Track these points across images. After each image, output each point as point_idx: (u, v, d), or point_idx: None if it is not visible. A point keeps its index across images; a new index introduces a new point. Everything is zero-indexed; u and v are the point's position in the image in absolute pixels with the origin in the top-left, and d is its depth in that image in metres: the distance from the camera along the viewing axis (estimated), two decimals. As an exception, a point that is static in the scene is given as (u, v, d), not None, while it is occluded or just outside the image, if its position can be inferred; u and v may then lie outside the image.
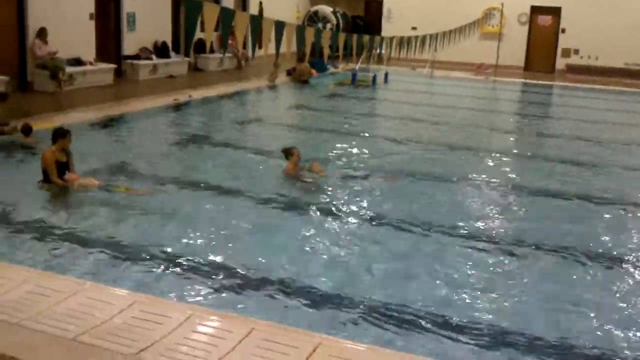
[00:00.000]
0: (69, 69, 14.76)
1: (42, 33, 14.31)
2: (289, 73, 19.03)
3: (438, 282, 5.87)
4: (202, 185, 8.40)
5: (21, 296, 4.77)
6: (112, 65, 16.40)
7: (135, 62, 17.29)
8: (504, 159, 11.21)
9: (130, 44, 17.51)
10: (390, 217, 7.52)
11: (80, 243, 6.24)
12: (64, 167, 7.88)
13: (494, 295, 5.68)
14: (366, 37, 14.44)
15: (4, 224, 6.65)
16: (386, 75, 20.47)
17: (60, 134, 7.94)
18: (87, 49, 15.86)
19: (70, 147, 8.01)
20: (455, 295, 5.60)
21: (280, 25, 9.46)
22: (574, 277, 6.18)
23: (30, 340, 4.23)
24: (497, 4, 24.57)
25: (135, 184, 8.28)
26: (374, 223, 7.37)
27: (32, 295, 4.79)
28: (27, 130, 9.68)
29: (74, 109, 12.61)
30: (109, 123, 11.96)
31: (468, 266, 6.26)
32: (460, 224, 7.42)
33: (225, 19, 8.39)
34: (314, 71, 19.68)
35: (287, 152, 8.97)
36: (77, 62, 15.34)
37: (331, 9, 26.06)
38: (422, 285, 5.77)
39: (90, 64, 15.74)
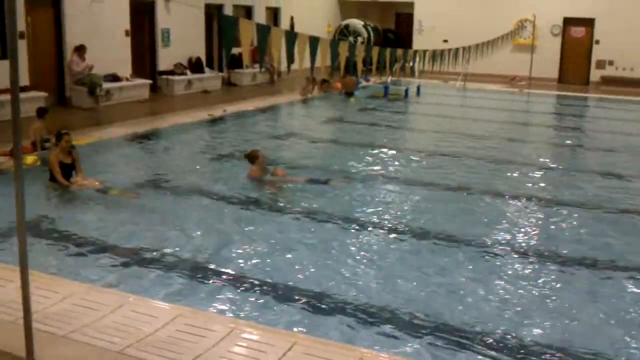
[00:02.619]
0: (106, 85, 15.05)
1: (79, 49, 14.61)
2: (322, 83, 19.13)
3: (489, 299, 5.84)
4: (235, 198, 8.46)
5: (68, 309, 4.87)
6: (148, 81, 16.68)
7: (170, 77, 17.56)
8: (539, 171, 11.09)
9: (165, 59, 17.80)
10: (430, 230, 7.52)
11: (119, 254, 6.37)
12: (69, 167, 8.48)
13: (539, 313, 5.63)
14: (398, 51, 14.44)
15: (46, 237, 6.79)
16: (418, 88, 20.45)
17: (57, 137, 8.67)
18: (123, 65, 16.16)
19: (70, 147, 8.59)
20: (501, 312, 5.56)
21: (314, 41, 9.54)
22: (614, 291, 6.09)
23: (77, 352, 4.30)
24: (529, 16, 24.41)
25: (167, 196, 8.52)
26: (407, 235, 7.37)
27: (78, 308, 4.88)
28: None
29: (111, 124, 12.86)
30: (145, 137, 12.14)
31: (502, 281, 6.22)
32: (491, 236, 7.39)
33: (261, 34, 8.48)
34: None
35: (253, 157, 9.17)
36: (114, 78, 15.63)
37: (362, 23, 26.15)
38: (468, 302, 5.73)
39: (127, 79, 16.03)
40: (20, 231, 4.29)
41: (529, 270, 6.52)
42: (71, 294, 5.12)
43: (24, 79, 13.52)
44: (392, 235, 7.34)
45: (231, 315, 5.17)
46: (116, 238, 6.84)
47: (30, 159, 9.56)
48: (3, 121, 11.54)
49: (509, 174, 10.66)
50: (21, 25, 13.49)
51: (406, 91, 19.61)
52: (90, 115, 13.69)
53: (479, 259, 6.72)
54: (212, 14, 18.41)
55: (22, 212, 4.31)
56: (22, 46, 13.57)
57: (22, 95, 12.86)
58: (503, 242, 7.25)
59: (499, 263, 6.65)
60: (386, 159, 11.48)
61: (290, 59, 9.45)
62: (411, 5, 26.74)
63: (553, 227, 8.02)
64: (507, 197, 9.14)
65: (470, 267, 6.50)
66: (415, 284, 6.04)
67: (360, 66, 11.83)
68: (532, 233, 7.74)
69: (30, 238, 6.44)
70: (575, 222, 8.15)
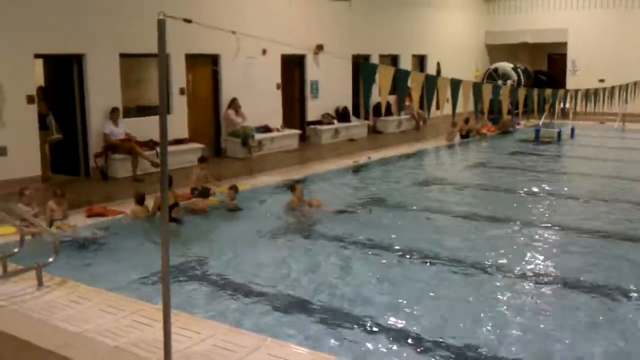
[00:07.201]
0: (258, 136, 15.77)
1: (235, 103, 15.47)
2: (465, 136, 18.84)
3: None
4: (379, 245, 8.45)
5: (207, 349, 5.06)
6: (297, 131, 17.30)
7: (318, 127, 18.09)
8: None
9: (313, 110, 18.40)
10: (579, 279, 7.10)
11: (258, 296, 6.56)
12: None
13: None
14: (548, 91, 13.92)
15: (196, 278, 7.15)
16: (572, 130, 19.51)
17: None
18: (274, 116, 16.90)
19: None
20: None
21: (456, 83, 9.44)
22: None
23: (214, 391, 4.44)
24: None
25: (312, 241, 8.69)
26: (546, 282, 7.01)
27: (217, 349, 5.06)
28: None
29: (262, 172, 13.41)
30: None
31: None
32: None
33: (400, 79, 8.54)
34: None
35: (291, 188, 10.59)
36: (266, 129, 16.37)
37: (512, 65, 25.56)
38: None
39: (278, 130, 16.72)
40: (164, 275, 4.54)
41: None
42: (212, 334, 5.32)
43: (184, 132, 14.54)
44: (544, 285, 7.00)
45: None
46: (255, 280, 7.07)
47: (213, 199, 10.51)
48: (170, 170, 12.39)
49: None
50: (182, 82, 14.59)
51: (559, 134, 18.78)
52: (244, 165, 14.38)
53: None
54: (359, 63, 18.84)
55: (166, 255, 4.57)
56: (183, 101, 14.64)
57: (182, 147, 13.91)
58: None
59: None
60: (535, 205, 11.01)
61: (431, 103, 9.42)
62: (564, 45, 25.82)
63: None
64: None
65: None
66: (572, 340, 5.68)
67: (506, 108, 11.51)
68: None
69: (181, 278, 6.88)
70: None
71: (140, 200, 9.70)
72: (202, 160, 11.71)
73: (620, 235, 8.93)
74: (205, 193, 10.51)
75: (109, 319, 5.69)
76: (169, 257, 4.50)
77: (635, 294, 6.65)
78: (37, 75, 12.90)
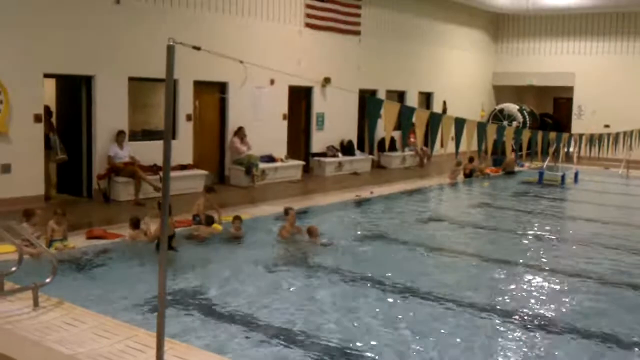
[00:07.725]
0: (262, 165, 15.82)
1: (240, 131, 15.54)
2: (468, 175, 18.84)
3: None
4: (377, 281, 8.40)
5: (200, 378, 5.02)
6: (301, 162, 17.34)
7: (322, 159, 18.14)
8: None
9: (318, 142, 18.48)
10: (577, 325, 7.02)
11: (255, 327, 6.50)
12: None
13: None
14: (552, 134, 13.96)
15: (192, 306, 7.11)
16: (576, 174, 19.53)
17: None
18: (279, 146, 16.98)
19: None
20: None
21: (460, 122, 9.48)
22: None
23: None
24: (703, 100, 22.78)
25: (300, 276, 8.58)
26: (544, 326, 6.93)
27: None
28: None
29: (264, 202, 13.41)
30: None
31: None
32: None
33: (405, 115, 8.58)
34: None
35: (285, 212, 10.56)
36: (270, 159, 16.44)
37: (518, 107, 25.70)
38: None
39: (282, 160, 16.78)
40: (161, 303, 4.53)
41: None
42: (205, 364, 5.30)
43: (188, 158, 14.59)
44: (542, 330, 6.92)
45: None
46: (252, 310, 7.02)
47: (217, 227, 10.50)
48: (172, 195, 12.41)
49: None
50: (189, 108, 14.68)
51: (562, 177, 18.78)
52: (246, 193, 14.40)
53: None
54: (365, 97, 18.96)
55: (163, 283, 4.56)
56: (189, 127, 14.72)
57: (186, 172, 13.94)
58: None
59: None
60: (537, 247, 10.97)
61: (435, 140, 9.46)
62: (570, 89, 25.98)
63: None
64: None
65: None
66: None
67: (509, 149, 11.54)
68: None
69: (177, 306, 6.84)
70: None
71: (135, 225, 9.72)
72: (209, 190, 11.69)
73: (623, 283, 8.87)
74: (210, 221, 10.51)
75: (103, 343, 5.64)
76: (166, 285, 4.50)
77: (637, 343, 6.58)
78: (50, 94, 13.06)
